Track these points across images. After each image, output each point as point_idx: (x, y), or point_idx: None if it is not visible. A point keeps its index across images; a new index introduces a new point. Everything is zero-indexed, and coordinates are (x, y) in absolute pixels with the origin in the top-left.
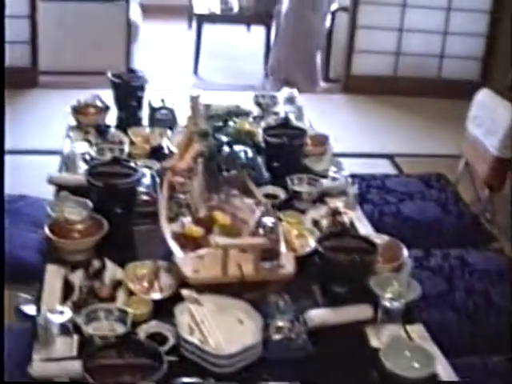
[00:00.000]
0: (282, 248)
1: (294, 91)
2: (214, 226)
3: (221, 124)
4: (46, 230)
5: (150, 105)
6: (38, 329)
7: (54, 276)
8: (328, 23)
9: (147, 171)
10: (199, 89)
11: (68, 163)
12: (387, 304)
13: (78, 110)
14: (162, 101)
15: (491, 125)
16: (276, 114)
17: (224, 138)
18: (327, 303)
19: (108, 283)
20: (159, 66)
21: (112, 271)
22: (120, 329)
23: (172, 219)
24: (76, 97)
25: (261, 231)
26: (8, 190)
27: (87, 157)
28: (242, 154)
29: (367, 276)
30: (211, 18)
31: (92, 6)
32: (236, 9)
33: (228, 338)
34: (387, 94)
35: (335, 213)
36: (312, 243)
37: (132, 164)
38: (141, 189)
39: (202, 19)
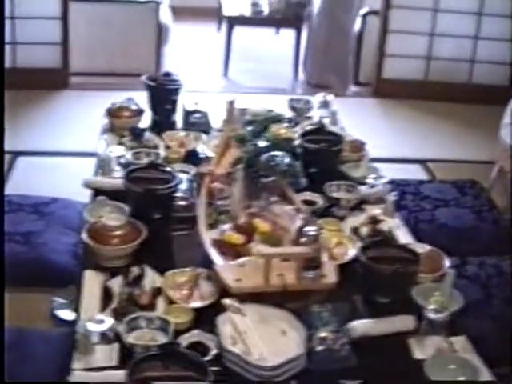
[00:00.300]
0: (324, 257)
1: (329, 96)
2: (255, 234)
3: (260, 129)
4: (84, 236)
5: (183, 108)
6: (78, 337)
7: (92, 282)
8: (358, 26)
9: (183, 176)
10: (229, 91)
11: (103, 167)
12: (431, 315)
13: (112, 113)
14: (196, 104)
15: None
16: (310, 118)
17: (262, 144)
18: (369, 313)
19: (148, 291)
20: (189, 67)
21: (152, 278)
22: (162, 338)
23: (211, 226)
24: (107, 98)
25: (303, 240)
26: (39, 191)
27: (123, 160)
28: (282, 160)
29: (410, 286)
30: (242, 21)
31: (123, 8)
32: (266, 11)
33: (271, 348)
34: (418, 98)
35: (374, 220)
36: (352, 251)
37: (169, 169)
38: (178, 194)
39: (233, 21)
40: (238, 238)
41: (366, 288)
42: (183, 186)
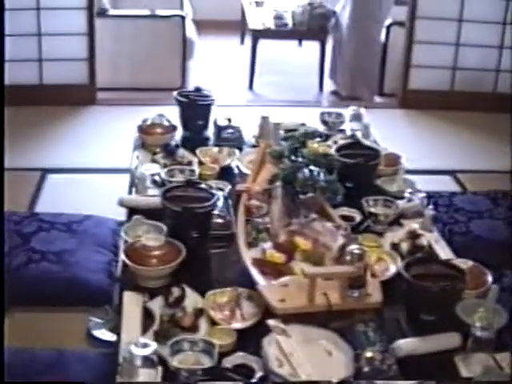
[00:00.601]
0: (368, 275)
1: (361, 109)
2: (296, 252)
3: (297, 145)
4: (123, 256)
5: (215, 123)
6: (122, 362)
7: (132, 304)
8: (382, 37)
9: (219, 193)
10: (255, 104)
11: (138, 185)
12: (478, 333)
13: (143, 130)
14: (229, 120)
15: None
16: (342, 131)
17: (300, 160)
18: (414, 331)
19: (190, 312)
20: (214, 81)
21: (193, 299)
22: (206, 361)
23: (250, 244)
24: (135, 113)
25: (348, 258)
26: (69, 209)
27: (157, 178)
28: (320, 177)
29: (455, 304)
30: (267, 34)
31: (148, 23)
32: (290, 24)
33: (318, 370)
34: (443, 108)
35: (414, 235)
36: (393, 268)
37: (206, 186)
38: (214, 211)
39: (258, 35)
40: (279, 257)
41: (410, 306)
42: (219, 203)
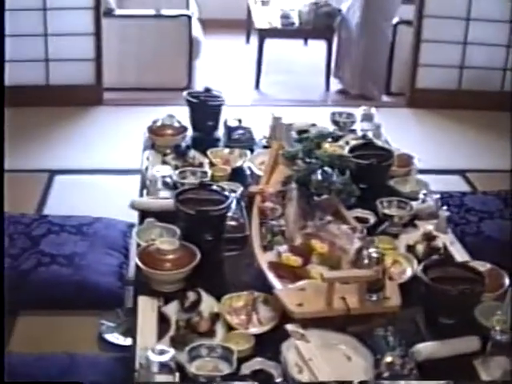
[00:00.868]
0: (386, 279)
1: (372, 108)
2: (312, 255)
3: (312, 147)
4: (137, 260)
5: (225, 124)
6: (138, 368)
7: (147, 308)
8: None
9: (232, 195)
10: (262, 104)
11: (149, 187)
12: (498, 336)
13: (154, 131)
14: (239, 121)
15: None
16: (353, 132)
17: (314, 161)
18: (433, 335)
19: (206, 317)
20: (220, 81)
21: (208, 303)
22: (224, 367)
23: (265, 247)
24: (142, 113)
25: (366, 261)
26: (78, 211)
27: (168, 180)
28: (336, 178)
29: (474, 307)
30: (273, 33)
31: (155, 23)
32: (296, 23)
33: (337, 375)
34: (451, 107)
35: (429, 237)
36: (409, 271)
37: (219, 188)
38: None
39: (264, 34)
40: (295, 260)
41: (429, 309)
42: (232, 205)
